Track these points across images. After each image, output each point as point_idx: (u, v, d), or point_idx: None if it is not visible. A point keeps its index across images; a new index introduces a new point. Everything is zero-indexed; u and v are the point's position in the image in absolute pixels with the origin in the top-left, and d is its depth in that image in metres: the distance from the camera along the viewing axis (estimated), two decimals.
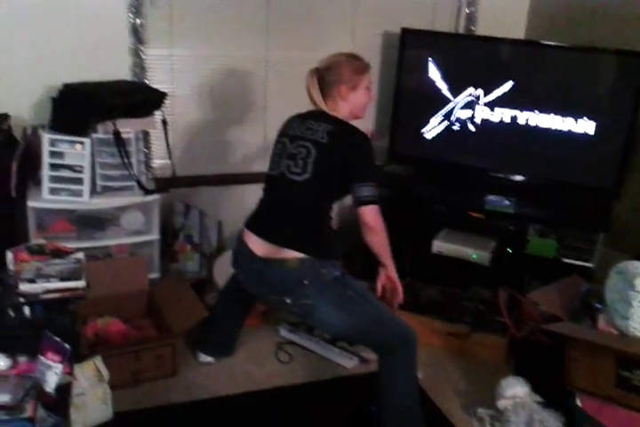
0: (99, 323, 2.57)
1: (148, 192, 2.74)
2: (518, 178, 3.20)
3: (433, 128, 3.32)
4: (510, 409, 2.29)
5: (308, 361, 2.73)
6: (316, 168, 2.13)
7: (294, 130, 2.22)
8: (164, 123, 2.81)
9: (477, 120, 3.21)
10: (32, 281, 1.85)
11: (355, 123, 2.23)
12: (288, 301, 2.15)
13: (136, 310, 2.77)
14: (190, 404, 2.40)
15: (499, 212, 3.07)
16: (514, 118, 3.12)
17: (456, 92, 3.22)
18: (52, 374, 1.57)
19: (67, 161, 2.61)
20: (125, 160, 2.63)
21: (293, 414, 2.41)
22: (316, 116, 2.21)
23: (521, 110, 3.10)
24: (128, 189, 2.74)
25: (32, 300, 1.84)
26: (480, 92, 3.16)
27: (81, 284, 1.90)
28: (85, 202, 2.66)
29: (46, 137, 2.57)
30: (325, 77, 2.20)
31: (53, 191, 2.62)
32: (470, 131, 3.24)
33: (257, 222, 2.27)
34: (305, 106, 2.27)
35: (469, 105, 3.20)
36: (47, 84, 2.77)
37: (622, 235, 3.06)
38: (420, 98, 3.33)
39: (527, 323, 2.70)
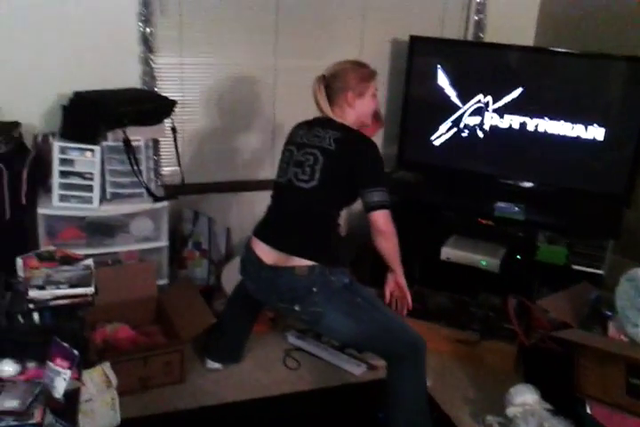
0: (107, 329, 2.58)
1: (157, 199, 2.75)
2: (528, 184, 3.19)
3: (442, 135, 3.32)
4: (519, 417, 2.27)
5: (316, 368, 2.73)
6: (323, 175, 2.13)
7: (301, 137, 2.23)
8: (174, 130, 2.83)
9: (486, 127, 3.20)
10: (41, 288, 1.86)
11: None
12: (297, 308, 2.15)
13: (144, 316, 2.78)
14: (198, 410, 2.40)
15: (508, 218, 3.06)
16: (523, 125, 3.11)
17: (465, 98, 3.22)
18: (60, 379, 1.58)
19: (77, 168, 2.63)
20: (135, 167, 2.65)
21: (301, 421, 2.41)
22: (323, 123, 2.22)
23: (530, 117, 3.09)
24: (137, 196, 2.76)
25: (41, 306, 1.85)
26: (489, 98, 3.16)
27: (90, 290, 1.91)
28: (95, 209, 2.67)
29: (56, 145, 2.59)
30: (332, 84, 2.21)
31: (63, 198, 2.64)
32: (479, 137, 3.23)
33: (265, 230, 2.27)
34: (313, 113, 2.28)
35: (478, 112, 3.20)
36: (58, 92, 2.80)
37: (633, 242, 3.04)
38: (428, 105, 3.33)
39: (537, 330, 2.69)
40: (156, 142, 2.90)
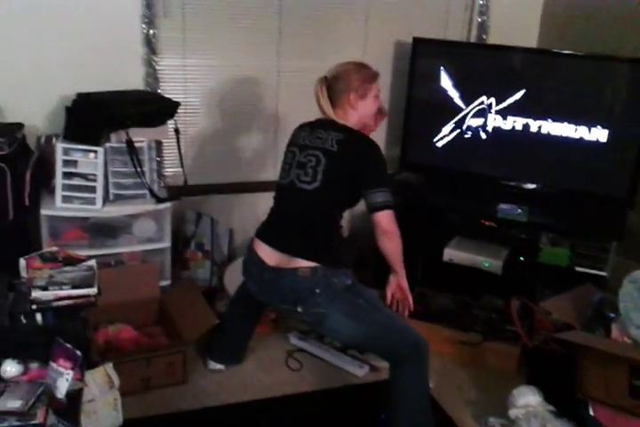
0: (110, 330, 2.59)
1: (159, 200, 2.76)
2: (530, 186, 3.19)
3: (444, 136, 3.31)
4: (522, 418, 2.27)
5: (319, 369, 2.72)
6: (325, 177, 2.13)
7: (304, 139, 2.23)
8: (177, 132, 2.83)
9: (489, 128, 3.20)
10: (44, 288, 1.86)
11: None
12: (299, 309, 2.15)
13: (147, 317, 2.78)
14: (200, 411, 2.40)
15: (511, 220, 3.05)
16: (526, 126, 3.11)
17: (468, 100, 3.22)
18: (62, 380, 1.58)
19: (80, 169, 2.64)
20: (138, 169, 2.66)
21: (303, 423, 2.41)
22: (325, 124, 2.22)
23: (533, 119, 3.08)
24: (140, 197, 2.76)
25: (44, 307, 1.85)
26: (492, 100, 3.16)
27: (92, 291, 1.91)
28: (98, 210, 2.68)
29: (60, 146, 2.60)
30: (334, 86, 2.21)
31: (66, 199, 2.65)
32: (482, 139, 3.23)
33: (268, 232, 2.27)
34: (316, 114, 2.28)
35: (481, 113, 3.20)
36: (61, 93, 2.81)
37: (636, 243, 3.04)
38: (431, 107, 3.33)
39: (540, 332, 2.68)
40: (158, 144, 2.90)
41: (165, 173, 3.12)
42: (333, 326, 2.16)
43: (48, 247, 2.29)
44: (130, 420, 2.08)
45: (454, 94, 3.23)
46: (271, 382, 2.62)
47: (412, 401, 2.18)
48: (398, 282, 2.28)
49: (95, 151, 2.61)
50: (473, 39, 3.55)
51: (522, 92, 3.08)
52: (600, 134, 2.96)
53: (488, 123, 3.19)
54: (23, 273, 1.97)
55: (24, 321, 1.86)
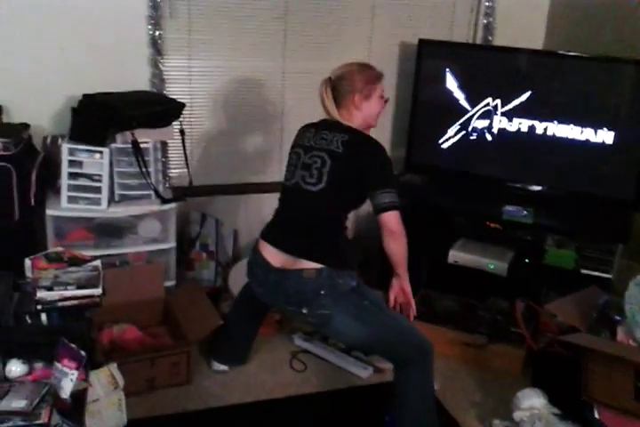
0: (114, 330, 2.59)
1: (165, 201, 2.76)
2: (536, 188, 3.18)
3: (450, 138, 3.31)
4: (527, 421, 2.26)
5: (323, 370, 2.72)
6: (330, 178, 2.13)
7: (309, 140, 2.22)
8: (182, 133, 2.83)
9: (495, 130, 3.20)
10: (49, 288, 1.87)
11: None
12: (304, 311, 2.15)
13: (152, 317, 2.78)
14: (204, 412, 2.40)
15: (516, 222, 3.04)
16: (532, 128, 3.10)
17: (473, 102, 3.21)
18: (67, 380, 1.59)
19: (85, 170, 2.64)
20: (143, 169, 2.66)
21: (307, 424, 2.41)
22: (330, 125, 2.21)
23: (539, 120, 3.08)
24: (145, 197, 2.77)
25: (49, 307, 1.86)
26: (498, 102, 3.15)
27: (97, 291, 1.92)
28: (103, 210, 2.68)
29: (65, 146, 2.60)
30: (338, 87, 2.20)
31: (72, 200, 2.65)
32: (487, 141, 3.23)
33: (273, 233, 2.27)
34: (321, 115, 2.27)
35: (487, 115, 3.19)
36: (67, 94, 2.81)
37: None
38: (437, 108, 3.33)
39: (545, 334, 2.68)
40: (164, 144, 2.91)
41: (170, 174, 3.12)
42: (338, 327, 2.16)
43: (53, 247, 2.30)
44: (134, 420, 2.08)
45: (460, 96, 3.23)
46: (275, 383, 2.62)
47: (417, 403, 2.17)
48: (401, 285, 2.25)
49: (101, 152, 2.61)
50: (479, 41, 3.54)
51: (528, 94, 3.08)
52: (606, 136, 2.95)
53: (494, 124, 3.19)
54: (28, 273, 1.98)
55: (29, 321, 1.87)
